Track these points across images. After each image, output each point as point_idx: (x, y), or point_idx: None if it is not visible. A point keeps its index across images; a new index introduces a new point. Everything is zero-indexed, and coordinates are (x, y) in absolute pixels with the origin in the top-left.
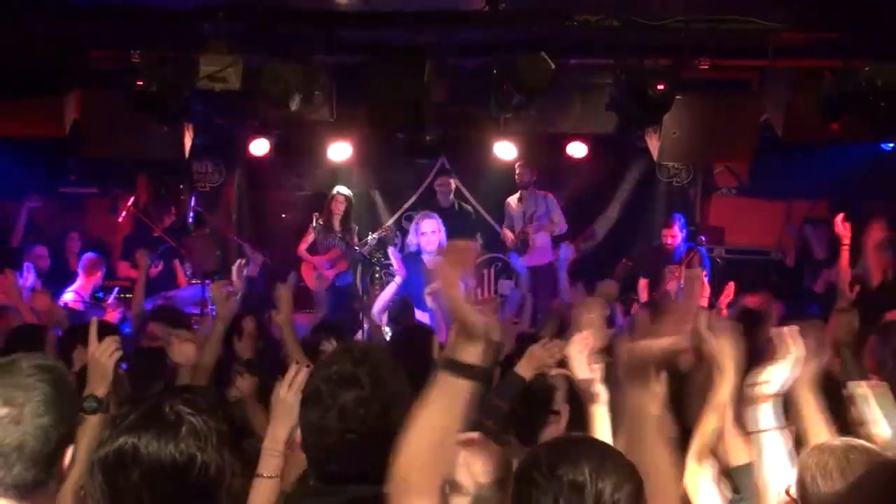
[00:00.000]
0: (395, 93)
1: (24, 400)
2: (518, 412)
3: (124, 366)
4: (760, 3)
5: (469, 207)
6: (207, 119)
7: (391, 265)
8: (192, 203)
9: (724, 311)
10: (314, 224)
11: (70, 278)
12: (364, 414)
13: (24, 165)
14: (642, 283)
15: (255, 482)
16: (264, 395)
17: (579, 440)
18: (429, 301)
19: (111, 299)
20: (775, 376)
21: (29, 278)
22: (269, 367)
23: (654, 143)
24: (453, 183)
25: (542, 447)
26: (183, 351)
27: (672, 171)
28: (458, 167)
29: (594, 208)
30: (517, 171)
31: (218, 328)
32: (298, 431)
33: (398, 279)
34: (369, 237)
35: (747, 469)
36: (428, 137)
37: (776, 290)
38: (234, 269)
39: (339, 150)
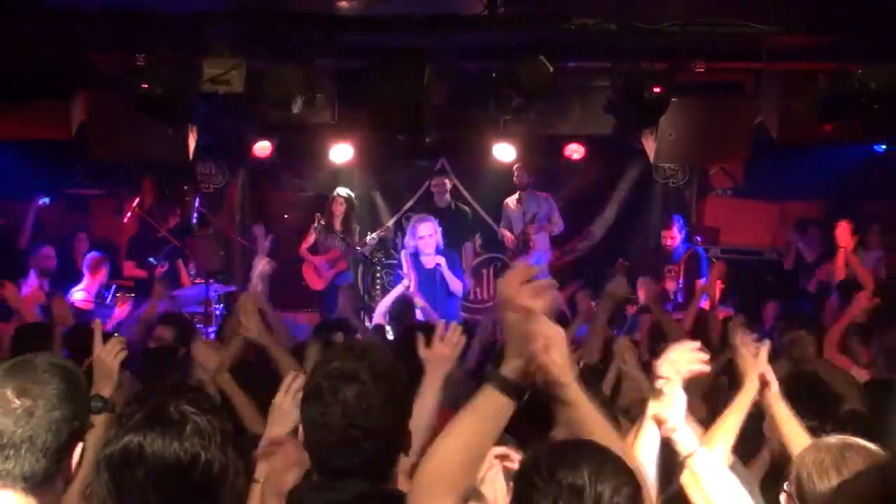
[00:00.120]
0: (395, 95)
1: (39, 393)
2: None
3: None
4: (755, 7)
5: (466, 207)
6: (211, 121)
7: (394, 266)
8: (196, 204)
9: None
10: (316, 224)
11: (78, 278)
12: (366, 409)
13: (31, 167)
14: (641, 282)
15: (252, 487)
16: (263, 400)
17: (579, 444)
18: (419, 302)
19: (109, 299)
20: (672, 412)
21: (31, 285)
22: (266, 372)
23: (650, 145)
24: (448, 183)
25: (542, 450)
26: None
27: (668, 173)
28: (457, 169)
29: (592, 209)
30: (516, 173)
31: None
32: (301, 428)
33: (406, 282)
34: (368, 237)
35: None
36: (428, 139)
37: (771, 289)
38: (255, 273)
39: (341, 152)
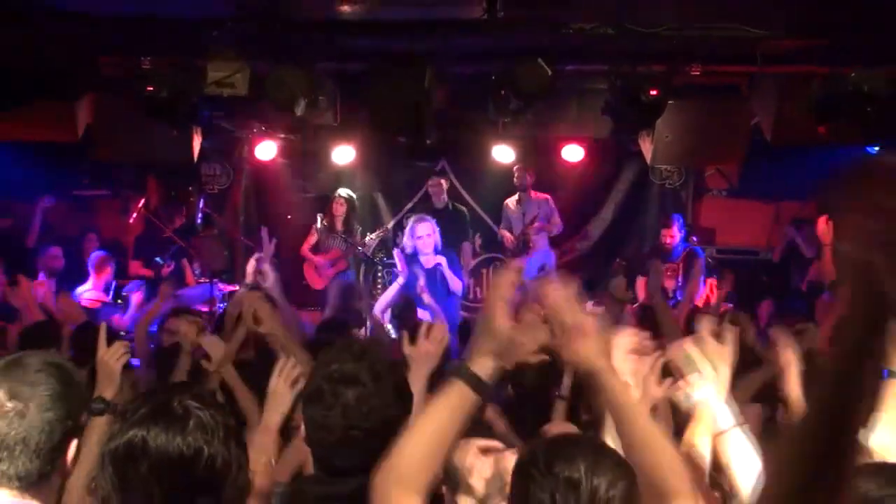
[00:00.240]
0: (396, 98)
1: (31, 395)
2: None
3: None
4: (750, 11)
5: (463, 208)
6: (215, 123)
7: (394, 265)
8: (201, 205)
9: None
10: (318, 225)
11: (86, 278)
12: (367, 411)
13: (39, 168)
14: (640, 282)
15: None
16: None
17: (575, 438)
18: (426, 299)
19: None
20: (703, 388)
21: (43, 283)
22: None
23: (647, 147)
24: (445, 183)
25: (540, 444)
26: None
27: (665, 174)
28: (457, 170)
29: (589, 210)
30: (516, 174)
31: (240, 332)
32: (302, 427)
33: (401, 280)
34: (367, 237)
35: None
36: (428, 141)
37: (765, 288)
38: (250, 265)
39: (343, 154)
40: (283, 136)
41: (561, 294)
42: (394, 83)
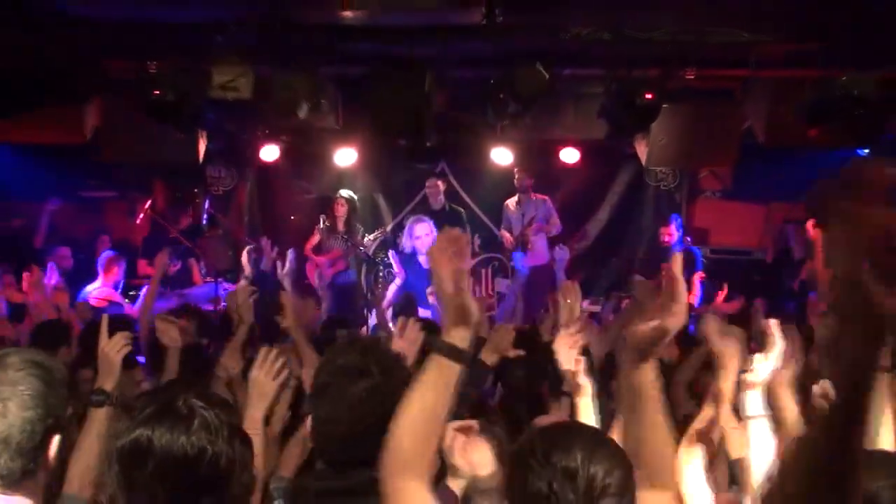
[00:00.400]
0: (397, 101)
1: (11, 394)
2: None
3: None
4: (743, 17)
5: (460, 208)
6: (220, 126)
7: (392, 266)
8: (206, 206)
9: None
10: (320, 225)
11: (95, 277)
12: (375, 404)
13: (47, 170)
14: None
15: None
16: None
17: (572, 427)
18: (431, 299)
19: (120, 293)
20: (763, 366)
21: (53, 277)
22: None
23: (642, 149)
24: (442, 184)
25: (537, 434)
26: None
27: (659, 176)
28: (456, 171)
29: (586, 211)
30: (516, 176)
31: (241, 332)
32: (308, 422)
33: (398, 280)
34: (365, 238)
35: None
36: (428, 143)
37: (758, 288)
38: (244, 256)
39: (345, 156)
40: (286, 138)
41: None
42: (394, 87)
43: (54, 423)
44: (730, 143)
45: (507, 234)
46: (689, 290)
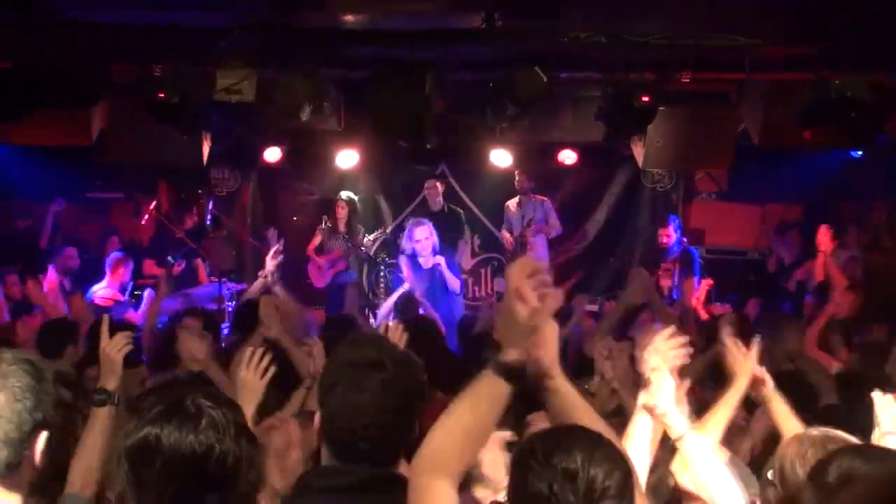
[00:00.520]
0: (398, 104)
1: (1, 386)
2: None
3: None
4: (739, 21)
5: (458, 209)
6: (224, 128)
7: (395, 264)
8: (210, 207)
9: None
10: (323, 226)
11: (102, 277)
12: (391, 396)
13: (54, 172)
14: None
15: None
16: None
17: (573, 430)
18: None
19: (127, 295)
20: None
21: (52, 279)
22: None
23: (639, 151)
24: (440, 186)
25: (538, 436)
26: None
27: (656, 177)
28: (456, 173)
29: (584, 212)
30: (517, 178)
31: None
32: (317, 418)
33: (406, 286)
34: (365, 239)
35: None
36: (428, 146)
37: (753, 288)
38: (269, 257)
39: (347, 158)
40: (288, 140)
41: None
42: (395, 90)
43: (42, 418)
44: (725, 145)
45: (507, 235)
46: (692, 292)
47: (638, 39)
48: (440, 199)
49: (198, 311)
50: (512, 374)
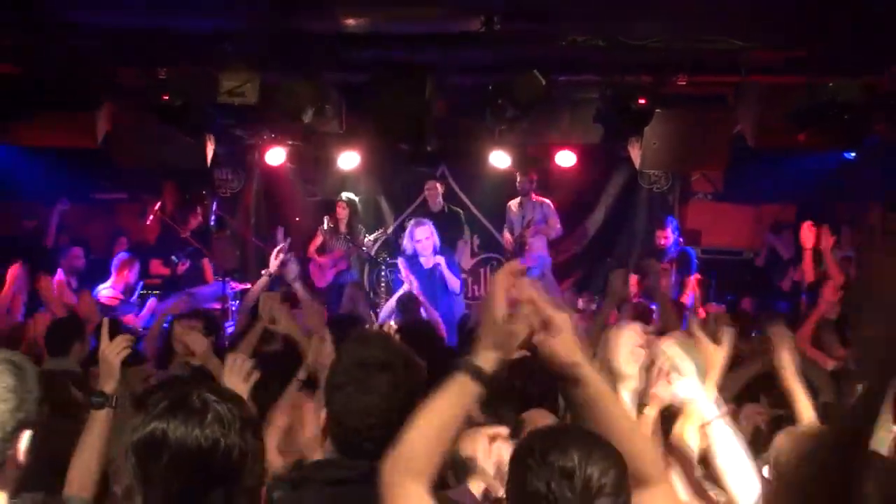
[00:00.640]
0: (399, 107)
1: None
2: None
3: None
4: (734, 25)
5: (458, 210)
6: (227, 131)
7: (396, 264)
8: (214, 207)
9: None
10: (324, 227)
11: (108, 277)
12: (400, 395)
13: (61, 173)
14: (633, 279)
15: None
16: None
17: (569, 429)
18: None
19: (134, 297)
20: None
21: (63, 279)
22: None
23: (636, 153)
24: (440, 187)
25: (535, 434)
26: None
27: (653, 178)
28: (456, 174)
29: (582, 213)
30: (518, 180)
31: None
32: (323, 413)
33: (406, 287)
34: (366, 239)
35: None
36: (429, 148)
37: (749, 288)
38: (273, 257)
39: (348, 159)
40: (291, 142)
41: (534, 291)
42: (396, 93)
43: (25, 417)
44: (721, 146)
45: (507, 236)
46: (684, 290)
47: (635, 43)
48: (440, 199)
49: (200, 312)
50: (481, 375)
